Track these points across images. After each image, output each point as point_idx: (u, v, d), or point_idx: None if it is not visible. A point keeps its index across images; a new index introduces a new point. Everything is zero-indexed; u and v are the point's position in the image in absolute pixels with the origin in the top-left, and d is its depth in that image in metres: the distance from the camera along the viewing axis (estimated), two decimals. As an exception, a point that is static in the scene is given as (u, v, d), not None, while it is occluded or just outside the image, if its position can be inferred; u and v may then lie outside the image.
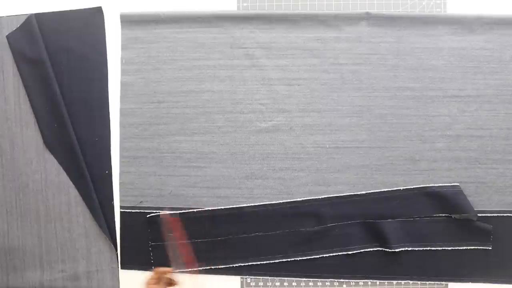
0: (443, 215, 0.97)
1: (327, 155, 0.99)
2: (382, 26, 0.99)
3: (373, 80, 0.99)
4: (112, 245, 1.01)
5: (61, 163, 1.02)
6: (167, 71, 1.01)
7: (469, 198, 0.98)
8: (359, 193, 0.98)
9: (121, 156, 1.02)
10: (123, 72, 1.02)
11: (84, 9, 1.03)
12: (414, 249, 0.97)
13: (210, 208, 0.99)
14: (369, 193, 0.97)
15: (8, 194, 1.03)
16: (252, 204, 0.99)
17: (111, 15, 1.02)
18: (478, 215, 0.97)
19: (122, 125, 1.02)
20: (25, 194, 1.03)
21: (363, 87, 0.99)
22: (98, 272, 1.02)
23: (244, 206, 0.98)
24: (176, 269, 0.92)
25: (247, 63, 1.00)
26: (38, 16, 1.02)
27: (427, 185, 0.97)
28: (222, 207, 0.99)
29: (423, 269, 0.99)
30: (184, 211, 0.99)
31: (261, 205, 0.98)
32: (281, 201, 0.98)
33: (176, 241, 0.98)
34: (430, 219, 0.97)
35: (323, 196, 0.98)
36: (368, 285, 1.00)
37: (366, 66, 0.99)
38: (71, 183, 1.02)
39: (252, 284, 1.00)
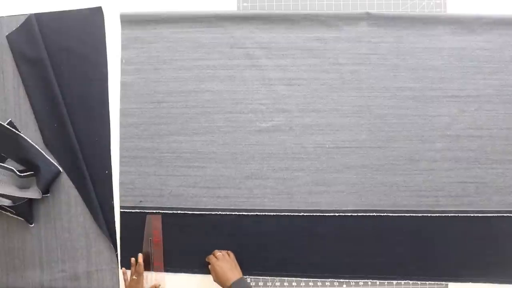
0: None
1: (327, 155, 0.99)
2: (382, 26, 0.99)
3: (373, 80, 0.99)
4: (112, 245, 1.01)
5: (61, 163, 1.02)
6: (167, 71, 1.01)
7: (469, 198, 0.98)
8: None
9: (121, 156, 1.02)
10: (123, 72, 1.02)
11: (84, 9, 1.02)
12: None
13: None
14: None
15: (8, 194, 1.03)
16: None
17: (111, 15, 1.02)
18: (478, 215, 0.98)
19: (122, 125, 1.02)
20: (25, 194, 1.03)
21: (363, 87, 0.99)
22: (98, 272, 1.02)
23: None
24: (145, 268, 0.98)
25: (247, 63, 1.00)
26: (38, 16, 1.02)
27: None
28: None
29: (423, 269, 0.99)
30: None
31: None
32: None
33: (153, 244, 1.00)
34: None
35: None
36: (368, 285, 1.00)
37: (366, 66, 0.99)
38: (71, 183, 1.02)
39: (252, 284, 1.00)
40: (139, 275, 0.96)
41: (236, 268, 0.91)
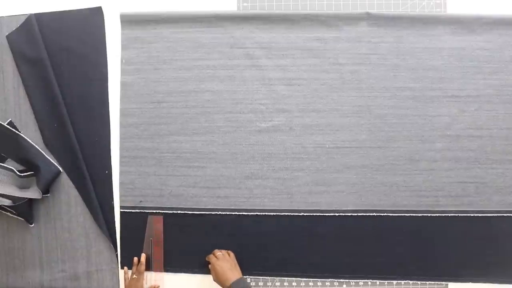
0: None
1: (327, 155, 0.99)
2: (382, 26, 0.99)
3: (373, 80, 0.99)
4: (112, 245, 1.01)
5: (61, 163, 1.02)
6: (167, 71, 1.01)
7: (469, 198, 0.98)
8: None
9: (121, 156, 1.02)
10: (123, 72, 1.02)
11: (84, 9, 1.02)
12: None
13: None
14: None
15: (8, 194, 1.03)
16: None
17: (111, 15, 1.02)
18: (478, 215, 0.98)
19: (122, 125, 1.02)
20: (25, 194, 1.03)
21: (363, 87, 0.99)
22: (98, 272, 1.02)
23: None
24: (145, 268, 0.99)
25: (247, 63, 1.00)
26: (38, 16, 1.02)
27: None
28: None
29: (423, 269, 0.99)
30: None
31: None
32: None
33: (154, 245, 1.00)
34: None
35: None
36: (368, 285, 1.00)
37: (366, 66, 0.99)
38: (71, 183, 1.02)
39: (252, 284, 1.00)
40: (140, 274, 0.96)
41: (236, 268, 0.91)
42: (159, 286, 1.00)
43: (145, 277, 0.99)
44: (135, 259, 0.99)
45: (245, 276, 0.91)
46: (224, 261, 0.90)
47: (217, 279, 0.88)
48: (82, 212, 1.02)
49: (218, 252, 0.94)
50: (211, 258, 0.93)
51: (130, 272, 0.99)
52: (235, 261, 0.94)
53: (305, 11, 1.00)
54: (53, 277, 1.02)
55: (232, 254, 0.95)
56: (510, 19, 0.98)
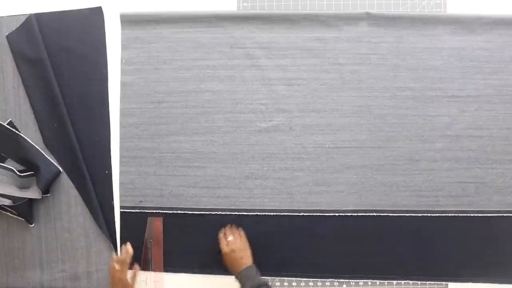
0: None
1: (327, 155, 0.99)
2: (382, 26, 0.99)
3: (373, 80, 0.99)
4: (112, 245, 1.01)
5: (61, 163, 1.02)
6: (167, 71, 1.01)
7: (469, 198, 0.98)
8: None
9: (121, 156, 1.02)
10: (123, 72, 1.02)
11: (84, 9, 1.02)
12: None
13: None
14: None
15: (8, 194, 1.03)
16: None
17: (111, 15, 1.02)
18: (478, 215, 0.98)
19: (122, 125, 1.02)
20: (25, 194, 1.03)
21: (363, 87, 0.99)
22: (98, 272, 1.02)
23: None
24: (144, 269, 0.99)
25: (247, 63, 1.00)
26: (38, 16, 1.02)
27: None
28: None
29: (423, 269, 0.99)
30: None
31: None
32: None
33: (154, 246, 1.00)
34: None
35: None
36: (368, 285, 1.00)
37: (366, 66, 0.99)
38: (71, 183, 1.02)
39: (252, 284, 1.00)
40: (124, 265, 0.92)
41: (246, 254, 0.90)
42: (138, 272, 0.96)
43: (144, 279, 0.98)
44: (123, 246, 0.96)
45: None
46: (236, 251, 0.90)
47: (230, 269, 0.90)
48: (82, 212, 1.02)
49: (229, 237, 0.93)
50: (223, 246, 0.92)
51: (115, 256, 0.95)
52: (247, 244, 0.93)
53: (305, 11, 1.00)
54: (53, 277, 1.02)
55: (243, 236, 0.94)
56: (510, 19, 0.98)
